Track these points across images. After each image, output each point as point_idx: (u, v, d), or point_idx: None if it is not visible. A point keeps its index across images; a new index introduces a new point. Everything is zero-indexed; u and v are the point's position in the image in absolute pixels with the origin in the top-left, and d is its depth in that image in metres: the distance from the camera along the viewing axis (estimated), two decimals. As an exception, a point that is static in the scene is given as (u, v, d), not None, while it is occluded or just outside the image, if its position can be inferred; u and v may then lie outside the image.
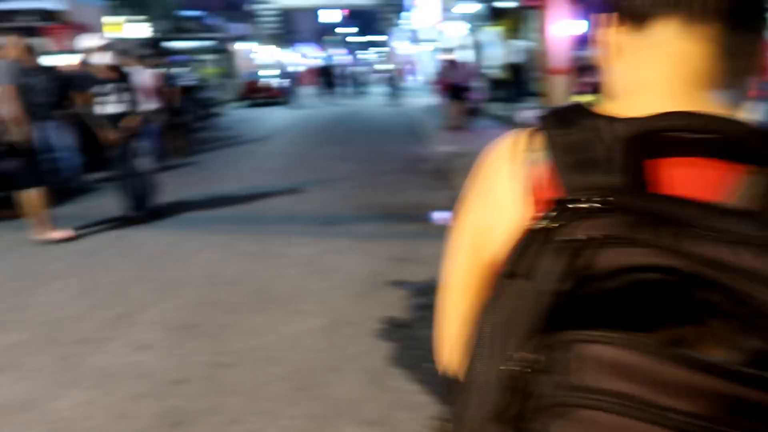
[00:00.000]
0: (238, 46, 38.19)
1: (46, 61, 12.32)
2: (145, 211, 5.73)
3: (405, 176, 8.04)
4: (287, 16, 43.57)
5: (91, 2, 17.48)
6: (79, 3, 16.49)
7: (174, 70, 10.31)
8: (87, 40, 5.47)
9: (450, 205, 6.26)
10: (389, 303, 3.77)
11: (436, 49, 29.56)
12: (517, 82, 14.20)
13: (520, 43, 13.66)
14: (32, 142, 5.06)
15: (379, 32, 75.94)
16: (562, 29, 11.57)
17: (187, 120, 13.68)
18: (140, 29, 28.23)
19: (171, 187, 7.43)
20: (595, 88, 7.54)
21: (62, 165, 7.48)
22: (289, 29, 51.35)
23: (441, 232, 4.47)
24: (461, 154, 9.15)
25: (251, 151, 10.90)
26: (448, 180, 7.71)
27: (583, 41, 10.70)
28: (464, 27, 22.14)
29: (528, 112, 11.84)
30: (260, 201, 6.75)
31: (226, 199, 6.88)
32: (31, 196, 5.10)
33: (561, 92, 11.71)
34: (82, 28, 16.47)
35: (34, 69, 7.37)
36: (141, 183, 5.75)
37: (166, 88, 9.70)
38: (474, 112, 12.82)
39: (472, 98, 12.66)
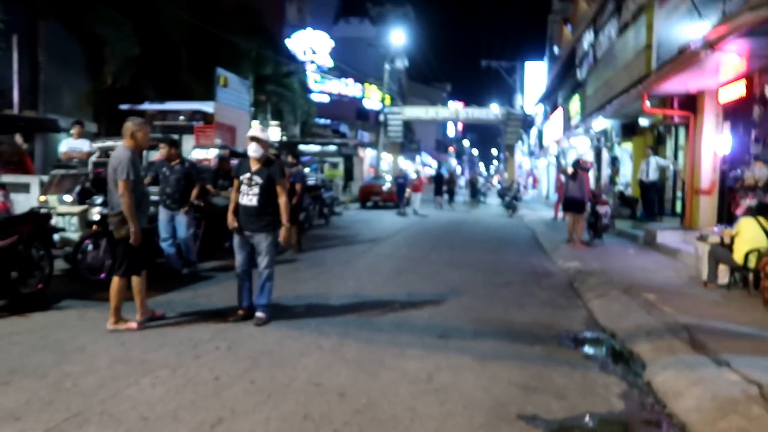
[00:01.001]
0: (363, 152, 40.25)
1: (194, 154, 13.41)
2: (251, 304, 5.51)
3: (526, 290, 7.37)
4: (409, 126, 45.67)
5: (235, 106, 19.17)
6: (225, 106, 18.12)
7: (297, 170, 10.65)
8: (250, 131, 5.53)
9: (583, 327, 5.51)
10: (520, 445, 3.11)
11: (558, 164, 29.13)
12: (647, 201, 13.23)
13: (654, 161, 12.86)
14: (138, 237, 4.98)
15: (497, 145, 77.30)
16: (710, 147, 10.72)
17: (305, 217, 14.05)
18: (275, 132, 30.69)
19: (283, 283, 7.33)
20: (759, 210, 6.62)
21: (182, 251, 7.69)
22: (411, 139, 53.69)
23: (574, 359, 3.77)
24: (587, 272, 8.35)
25: (364, 251, 10.75)
26: (577, 299, 6.95)
27: (735, 160, 9.76)
28: (588, 142, 21.62)
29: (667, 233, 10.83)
30: (372, 304, 6.38)
31: (337, 298, 6.59)
32: (122, 283, 5.07)
33: (707, 214, 10.65)
34: (227, 128, 18.02)
35: (173, 161, 7.85)
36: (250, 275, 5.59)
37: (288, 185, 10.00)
38: (600, 228, 11.96)
39: (599, 214, 11.87)
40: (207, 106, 17.12)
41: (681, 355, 4.31)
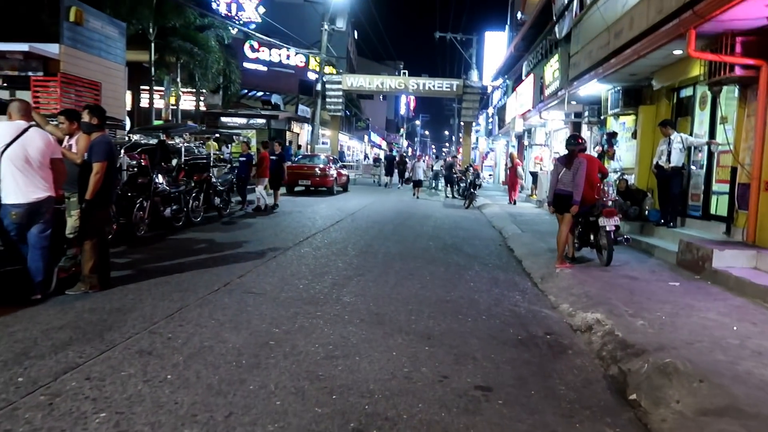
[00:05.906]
0: (299, 128, 35.38)
1: None
2: None
3: (531, 404, 3.07)
4: (357, 103, 41.06)
5: (102, 56, 14.08)
6: (81, 52, 13.03)
7: (100, 137, 5.85)
8: None
9: None
10: None
11: (519, 144, 25.24)
12: (667, 196, 9.23)
13: (680, 139, 8.85)
14: None
15: (450, 127, 73.58)
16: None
17: (173, 212, 9.27)
18: (187, 101, 25.73)
19: None
20: None
21: None
22: (359, 117, 49.20)
23: None
24: (639, 352, 4.05)
25: (234, 281, 6.26)
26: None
27: None
28: (562, 117, 17.60)
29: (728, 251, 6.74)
30: None
31: None
32: None
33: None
34: (84, 84, 12.99)
35: None
36: None
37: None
38: (605, 250, 7.69)
39: (609, 220, 7.58)
40: (48, 48, 12.10)
41: None
